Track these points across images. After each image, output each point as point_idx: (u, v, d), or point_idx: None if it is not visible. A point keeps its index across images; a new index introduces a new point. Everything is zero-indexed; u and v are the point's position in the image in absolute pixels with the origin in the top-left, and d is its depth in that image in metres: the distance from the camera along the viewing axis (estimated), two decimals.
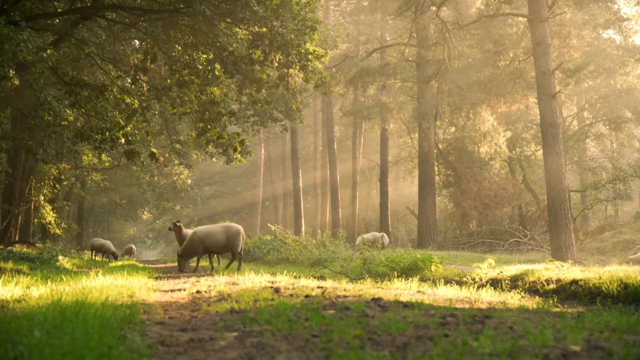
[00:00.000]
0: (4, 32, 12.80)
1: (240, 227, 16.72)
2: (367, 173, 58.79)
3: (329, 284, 9.81)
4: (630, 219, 41.55)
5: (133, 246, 35.59)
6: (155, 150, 21.51)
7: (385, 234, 34.92)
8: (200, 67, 18.79)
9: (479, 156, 38.10)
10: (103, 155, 35.23)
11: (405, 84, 41.53)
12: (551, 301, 9.53)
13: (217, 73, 19.16)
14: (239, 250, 16.44)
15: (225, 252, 17.25)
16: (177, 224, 18.57)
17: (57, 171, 32.75)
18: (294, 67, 18.49)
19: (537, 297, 10.50)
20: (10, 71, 13.77)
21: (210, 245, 16.50)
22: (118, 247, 35.93)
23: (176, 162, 38.47)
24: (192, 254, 16.80)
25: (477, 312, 6.17)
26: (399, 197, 59.39)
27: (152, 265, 22.07)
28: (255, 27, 17.61)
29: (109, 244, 31.17)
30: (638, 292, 9.88)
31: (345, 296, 7.44)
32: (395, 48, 40.44)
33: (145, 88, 21.09)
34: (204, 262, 18.86)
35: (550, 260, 15.24)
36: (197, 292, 8.62)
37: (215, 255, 19.62)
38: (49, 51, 16.45)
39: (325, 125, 48.07)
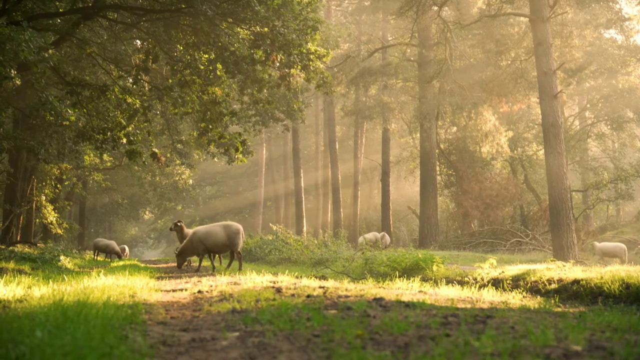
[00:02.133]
0: (6, 32, 12.81)
1: (240, 226, 16.75)
2: (368, 173, 58.79)
3: (330, 283, 9.81)
4: (632, 218, 41.58)
5: (125, 247, 35.67)
6: (156, 150, 21.53)
7: (385, 234, 34.99)
8: (202, 67, 18.80)
9: (480, 156, 38.09)
10: (104, 155, 35.20)
11: (407, 83, 41.53)
12: (553, 301, 9.53)
13: (218, 73, 19.17)
14: (238, 249, 16.50)
15: (225, 251, 17.24)
16: (178, 223, 18.57)
17: (58, 171, 32.77)
18: (295, 67, 18.48)
19: (538, 297, 10.49)
20: (12, 71, 13.78)
21: (210, 245, 16.53)
22: None
23: (178, 162, 38.44)
24: (190, 253, 16.89)
25: (479, 312, 6.17)
26: (400, 197, 59.42)
27: (154, 265, 22.08)
28: (257, 27, 17.60)
29: (113, 244, 31.22)
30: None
31: (346, 296, 7.45)
32: (396, 48, 40.47)
33: (146, 88, 21.09)
34: (205, 262, 18.87)
35: (551, 260, 15.27)
36: (199, 292, 8.62)
37: (217, 255, 19.65)
38: (50, 51, 16.46)
39: (327, 125, 48.06)
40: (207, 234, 16.62)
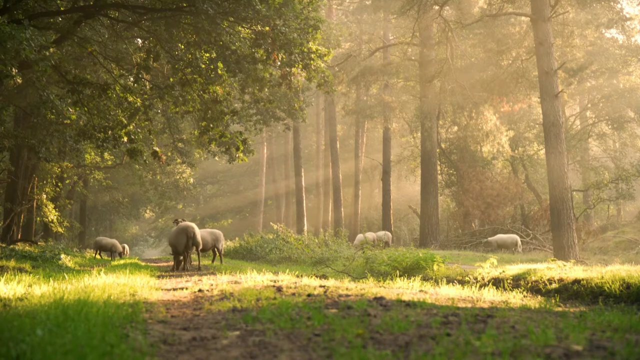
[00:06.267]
0: (7, 31, 12.80)
1: (188, 228, 16.94)
2: (369, 172, 58.77)
3: (331, 283, 9.81)
4: (633, 218, 41.52)
5: (126, 245, 35.70)
6: (157, 149, 21.49)
7: (388, 232, 35.15)
8: (203, 66, 18.78)
9: (481, 155, 38.08)
10: (105, 153, 35.26)
11: (408, 83, 41.49)
12: (553, 301, 9.53)
13: (219, 72, 19.15)
14: (183, 248, 16.87)
15: (178, 251, 17.36)
16: (180, 221, 18.57)
17: (59, 169, 32.77)
18: (296, 66, 18.48)
19: (539, 296, 10.50)
20: (13, 69, 13.78)
21: (169, 244, 17.34)
22: None
23: (179, 160, 38.47)
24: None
25: (480, 312, 6.17)
26: (401, 197, 59.41)
27: (154, 264, 22.11)
28: (258, 26, 17.59)
29: (116, 242, 31.28)
30: None
31: (347, 295, 7.45)
32: (398, 47, 40.42)
33: (147, 87, 21.07)
34: (206, 261, 18.91)
35: (552, 260, 15.25)
36: (200, 290, 8.63)
37: (218, 254, 19.74)
38: (51, 50, 16.44)
39: (328, 124, 48.05)
40: (170, 234, 17.64)
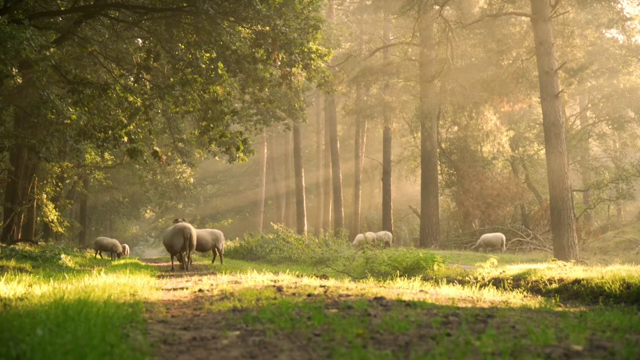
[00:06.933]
0: (7, 31, 12.80)
1: (185, 229, 16.99)
2: (369, 172, 58.79)
3: (331, 283, 9.81)
4: (633, 218, 41.52)
5: (126, 245, 35.72)
6: (158, 149, 21.49)
7: (388, 232, 35.19)
8: (203, 66, 18.77)
9: (481, 155, 38.08)
10: (106, 153, 35.23)
11: (408, 83, 41.50)
12: (553, 301, 9.53)
13: (220, 72, 19.15)
14: (178, 249, 17.01)
15: (174, 251, 17.36)
16: (180, 220, 18.56)
17: (59, 169, 32.77)
18: (297, 66, 18.48)
19: (539, 296, 10.50)
20: (13, 69, 13.78)
21: (164, 243, 17.63)
22: None
23: (179, 160, 38.48)
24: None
25: (480, 312, 6.17)
26: (401, 197, 59.42)
27: (155, 264, 22.10)
28: (259, 26, 17.59)
29: (117, 242, 31.28)
30: None
31: (347, 295, 7.45)
32: (398, 47, 40.42)
33: (148, 86, 21.05)
34: (206, 261, 18.90)
35: (552, 260, 15.25)
36: (200, 290, 8.63)
37: (218, 254, 19.75)
38: (52, 49, 16.45)
39: (328, 124, 48.06)
40: (165, 234, 17.86)
